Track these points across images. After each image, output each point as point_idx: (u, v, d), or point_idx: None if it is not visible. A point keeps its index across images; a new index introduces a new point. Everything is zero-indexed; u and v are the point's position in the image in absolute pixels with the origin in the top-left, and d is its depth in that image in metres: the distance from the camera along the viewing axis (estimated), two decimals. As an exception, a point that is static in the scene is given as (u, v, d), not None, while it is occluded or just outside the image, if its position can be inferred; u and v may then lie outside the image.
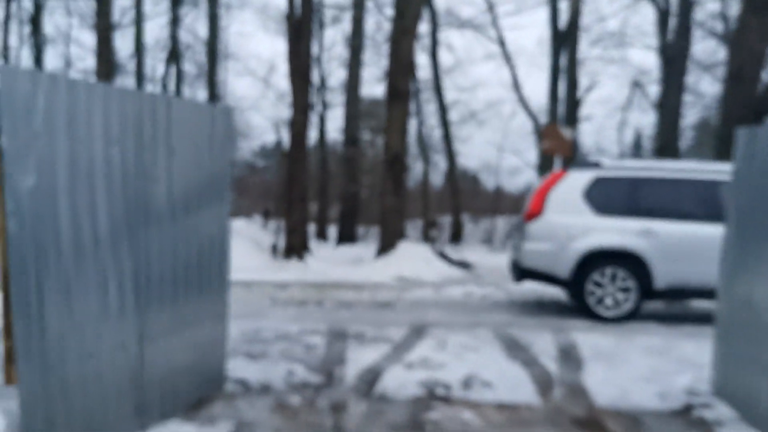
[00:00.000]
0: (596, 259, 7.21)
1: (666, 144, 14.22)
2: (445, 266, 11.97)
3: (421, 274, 11.14)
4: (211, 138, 4.15)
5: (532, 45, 33.73)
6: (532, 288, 9.54)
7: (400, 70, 11.62)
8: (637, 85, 24.08)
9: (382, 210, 12.18)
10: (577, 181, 7.43)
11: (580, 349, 5.77)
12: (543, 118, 22.61)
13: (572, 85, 17.87)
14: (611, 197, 7.33)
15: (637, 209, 7.21)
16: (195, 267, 4.12)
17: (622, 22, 27.47)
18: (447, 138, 20.71)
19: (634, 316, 7.12)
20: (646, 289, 7.09)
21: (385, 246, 11.86)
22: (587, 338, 6.20)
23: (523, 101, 21.82)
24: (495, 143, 21.64)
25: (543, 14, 35.33)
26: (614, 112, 24.56)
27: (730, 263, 4.41)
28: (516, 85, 21.92)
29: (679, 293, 7.15)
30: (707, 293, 6.89)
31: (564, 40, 16.04)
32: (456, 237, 19.27)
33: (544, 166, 15.92)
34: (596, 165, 7.56)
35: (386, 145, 11.97)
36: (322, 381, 4.76)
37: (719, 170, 7.08)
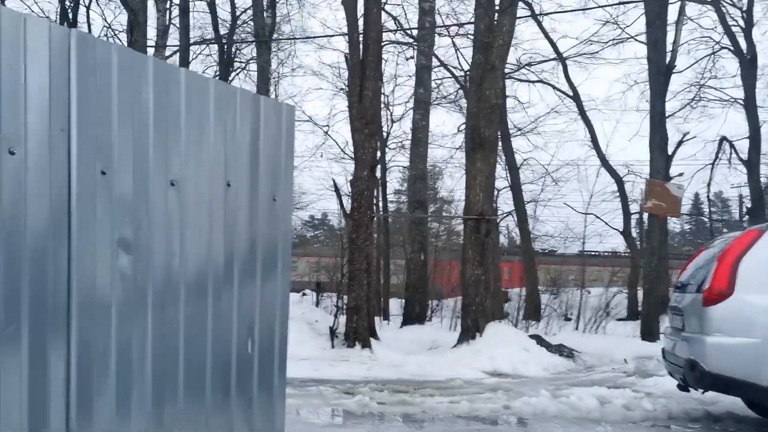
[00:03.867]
0: (829, 363, 4.76)
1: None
2: (546, 355, 9.52)
3: (519, 368, 8.72)
4: (254, 158, 2.06)
5: (601, 97, 31.61)
6: (677, 390, 7.01)
7: (485, 113, 9.60)
8: (725, 140, 21.66)
9: (463, 283, 9.92)
10: (782, 244, 5.10)
11: None
12: (627, 178, 20.27)
13: (663, 138, 15.59)
14: (840, 267, 4.95)
15: None
16: (220, 371, 1.99)
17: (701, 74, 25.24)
18: (518, 199, 18.50)
19: None
20: None
21: (469, 328, 9.54)
22: None
23: (603, 158, 19.58)
24: (575, 206, 19.21)
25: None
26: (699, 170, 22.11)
27: None
28: (594, 141, 19.75)
29: None
30: None
31: (667, 81, 13.84)
32: (534, 313, 16.68)
33: (649, 230, 13.48)
34: (808, 221, 5.22)
35: (467, 204, 9.83)
36: None
37: None
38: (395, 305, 16.67)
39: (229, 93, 1.99)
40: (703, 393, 5.76)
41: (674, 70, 15.42)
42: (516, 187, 18.80)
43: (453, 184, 20.85)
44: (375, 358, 9.07)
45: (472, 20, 14.88)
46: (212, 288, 2.03)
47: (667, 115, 16.77)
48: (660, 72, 13.75)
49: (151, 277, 1.81)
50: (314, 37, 17.14)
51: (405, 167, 23.35)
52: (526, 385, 7.68)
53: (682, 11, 14.10)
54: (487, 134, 9.64)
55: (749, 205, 23.19)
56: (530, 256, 18.36)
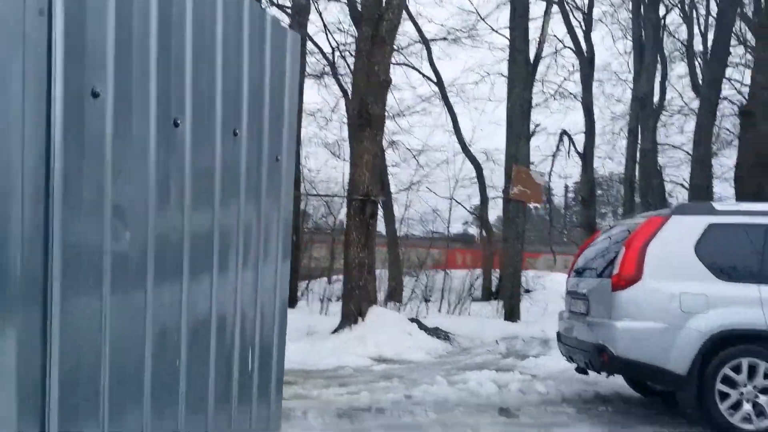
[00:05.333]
0: (726, 346, 5.00)
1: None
2: (426, 338, 9.45)
3: (404, 353, 8.52)
4: (259, 99, 1.49)
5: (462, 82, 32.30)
6: (563, 370, 7.21)
7: (373, 89, 9.22)
8: (565, 133, 23.23)
9: (346, 266, 9.53)
10: (685, 230, 5.29)
11: None
12: (485, 164, 20.97)
13: (527, 127, 16.25)
14: (736, 254, 5.24)
15: (779, 271, 5.11)
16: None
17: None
18: (384, 181, 18.43)
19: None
20: (806, 388, 4.93)
21: (352, 313, 9.19)
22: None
23: (464, 145, 20.10)
24: (443, 191, 19.56)
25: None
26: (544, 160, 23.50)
27: None
28: (456, 127, 20.20)
29: None
30: None
31: (534, 71, 14.37)
32: (396, 295, 16.72)
33: (512, 214, 13.91)
34: (707, 208, 5.47)
35: (352, 183, 9.42)
36: None
37: None
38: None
39: (237, 1, 1.38)
40: (607, 377, 5.89)
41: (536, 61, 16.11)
42: (382, 170, 18.73)
43: (317, 164, 20.17)
44: (252, 346, 8.42)
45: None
46: (217, 266, 1.44)
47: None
48: (527, 63, 14.20)
49: (148, 251, 1.20)
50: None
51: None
52: (416, 371, 7.50)
53: (549, 5, 14.69)
54: (376, 111, 9.28)
55: (581, 195, 25.20)
56: (393, 238, 18.40)
